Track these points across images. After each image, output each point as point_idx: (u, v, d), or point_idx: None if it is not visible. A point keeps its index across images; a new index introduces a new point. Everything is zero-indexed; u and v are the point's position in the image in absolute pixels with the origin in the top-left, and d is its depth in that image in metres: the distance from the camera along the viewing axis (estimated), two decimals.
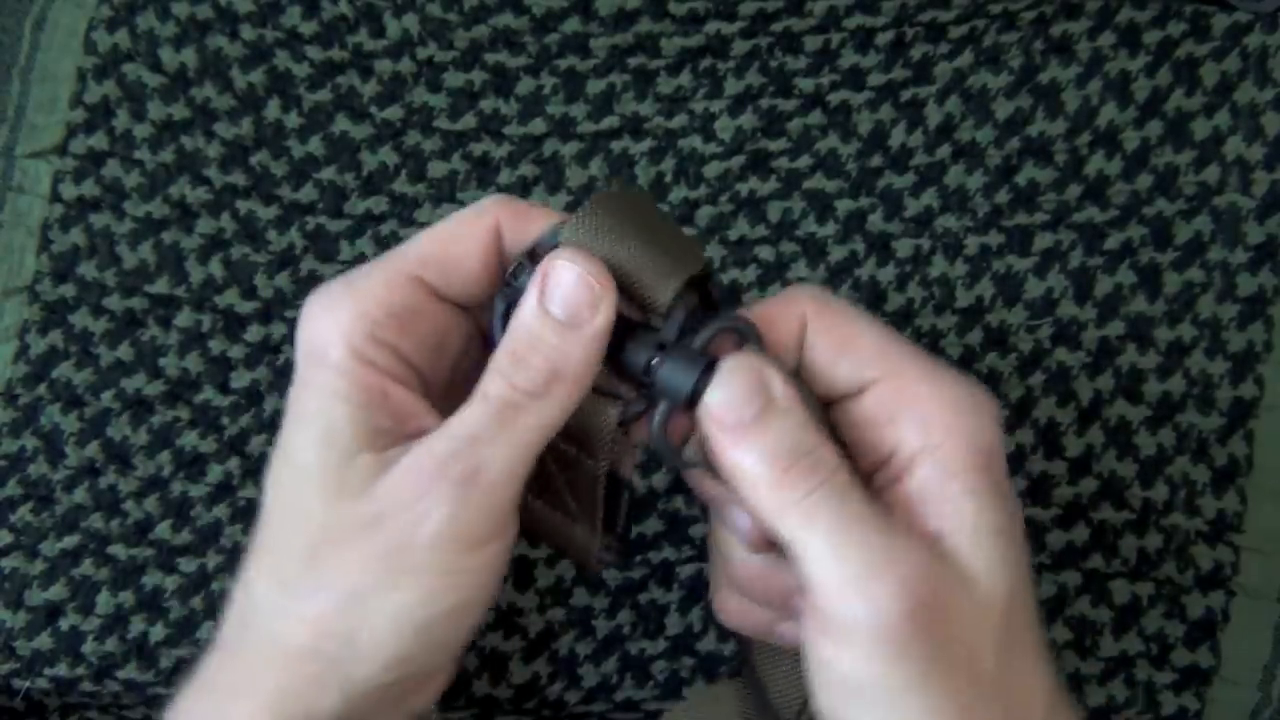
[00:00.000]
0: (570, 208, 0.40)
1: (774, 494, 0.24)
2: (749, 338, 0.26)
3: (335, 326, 0.25)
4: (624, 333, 0.26)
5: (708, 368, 0.25)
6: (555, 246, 0.26)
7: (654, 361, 0.26)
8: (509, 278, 0.26)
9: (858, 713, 0.24)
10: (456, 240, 0.26)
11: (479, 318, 0.28)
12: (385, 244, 0.40)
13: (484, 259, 0.26)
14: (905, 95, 0.40)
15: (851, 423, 0.26)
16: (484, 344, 0.28)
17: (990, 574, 0.24)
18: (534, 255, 0.26)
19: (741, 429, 0.25)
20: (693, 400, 0.25)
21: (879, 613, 0.23)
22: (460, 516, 0.24)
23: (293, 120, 0.41)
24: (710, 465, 0.26)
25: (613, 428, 0.27)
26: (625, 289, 0.26)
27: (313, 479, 0.25)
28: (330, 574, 0.25)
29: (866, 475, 0.26)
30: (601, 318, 0.25)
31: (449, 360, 0.28)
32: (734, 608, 0.29)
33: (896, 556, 0.23)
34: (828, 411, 0.27)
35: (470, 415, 0.25)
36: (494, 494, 0.25)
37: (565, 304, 0.25)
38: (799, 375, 0.27)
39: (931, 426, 0.25)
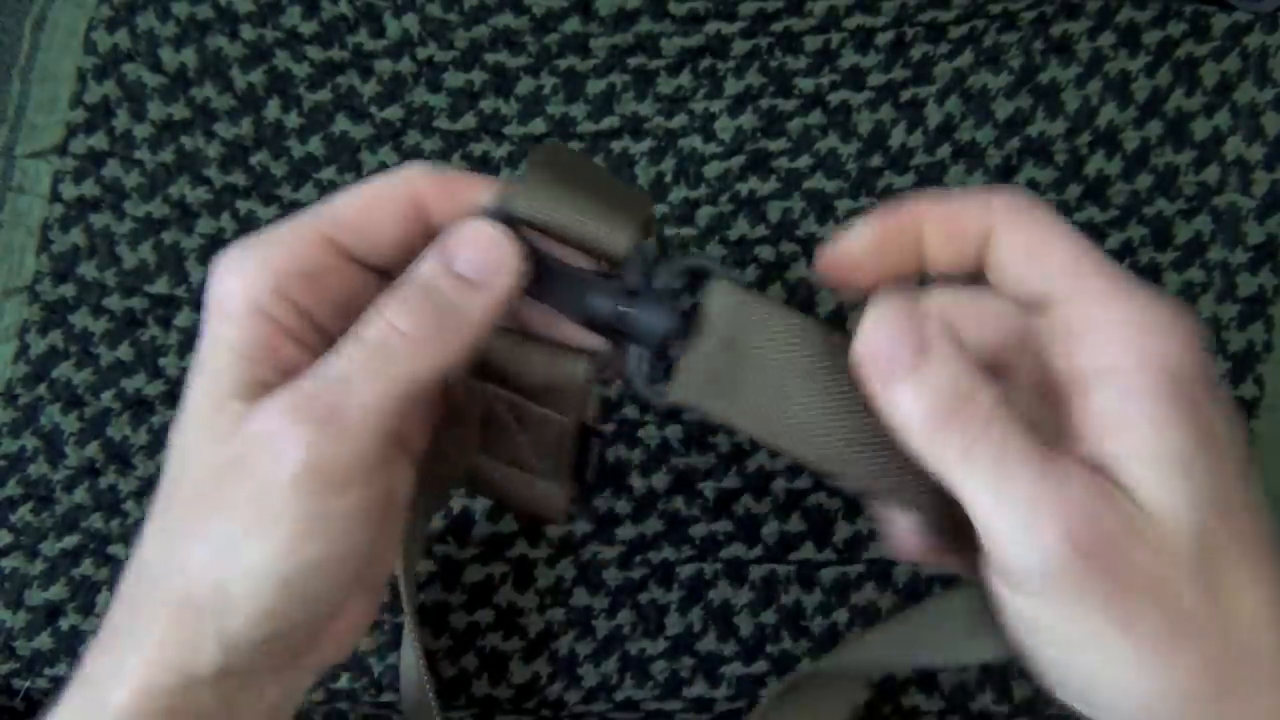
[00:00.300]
0: None
1: (933, 441, 0.24)
2: (713, 274, 0.26)
3: (238, 280, 0.25)
4: (585, 285, 0.26)
5: (687, 311, 0.25)
6: (503, 213, 0.26)
7: (622, 307, 0.26)
8: None
9: (1054, 654, 0.24)
10: (375, 205, 0.26)
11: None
12: None
13: (403, 225, 0.26)
14: (905, 95, 0.40)
15: (1037, 335, 0.25)
16: None
17: (1173, 504, 0.22)
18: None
19: (897, 373, 0.24)
20: (667, 342, 0.26)
21: (1049, 558, 0.22)
22: (320, 455, 0.23)
23: (293, 120, 0.41)
24: (691, 405, 0.26)
25: (584, 382, 0.27)
26: (579, 243, 0.26)
27: (193, 426, 0.25)
28: (203, 521, 0.24)
29: (1051, 388, 0.25)
30: (505, 281, 0.25)
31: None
32: (914, 546, 0.28)
33: (1064, 498, 0.22)
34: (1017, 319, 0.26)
35: (341, 356, 0.24)
36: (357, 434, 0.24)
37: (476, 264, 0.25)
38: (983, 278, 0.26)
39: (1115, 348, 0.23)
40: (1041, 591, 0.23)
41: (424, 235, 0.26)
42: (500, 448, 0.29)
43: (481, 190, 0.26)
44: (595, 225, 0.26)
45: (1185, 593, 0.22)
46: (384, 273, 0.27)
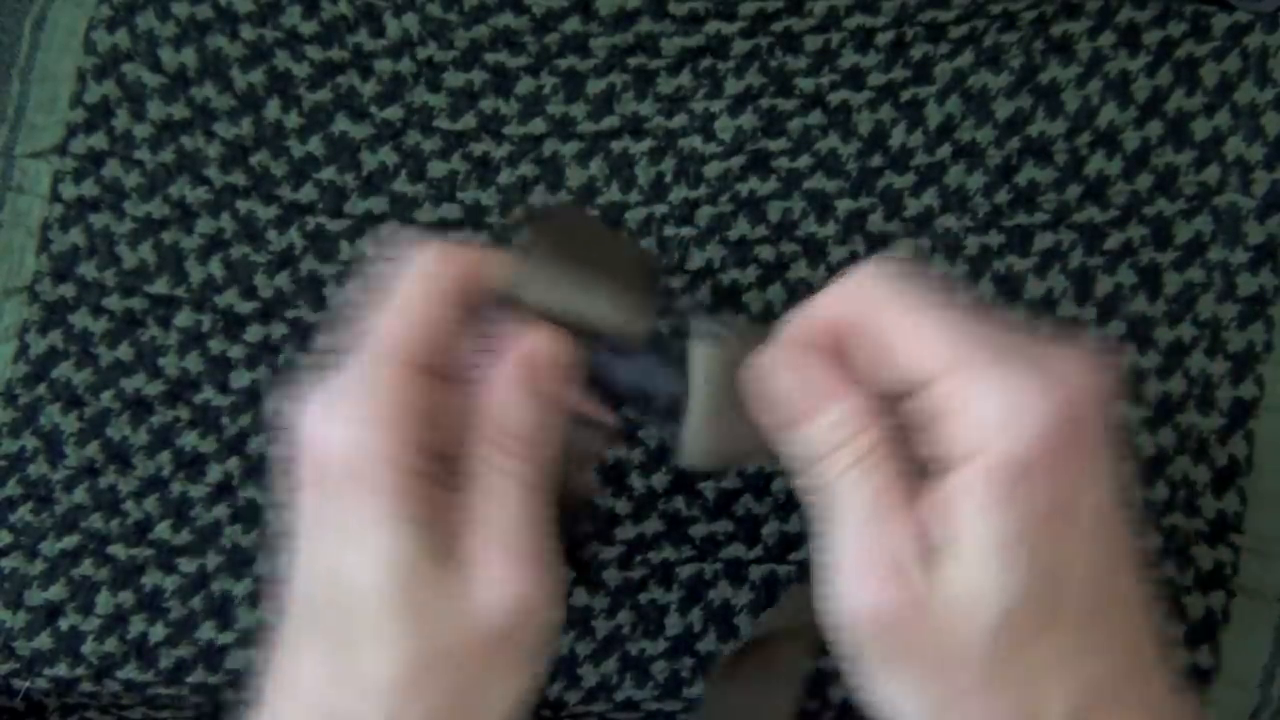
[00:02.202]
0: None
1: (809, 475, 0.26)
2: (719, 336, 0.27)
3: (373, 443, 0.25)
4: (604, 362, 0.27)
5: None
6: (514, 300, 0.27)
7: (643, 379, 0.27)
8: (484, 342, 0.27)
9: (865, 688, 0.26)
10: (439, 316, 0.26)
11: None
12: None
13: (462, 326, 0.27)
14: (905, 95, 0.40)
15: (916, 416, 0.26)
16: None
17: (978, 593, 0.24)
18: (495, 322, 0.27)
19: (791, 421, 0.26)
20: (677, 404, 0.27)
21: (845, 614, 0.25)
22: (559, 603, 0.26)
23: (293, 120, 0.41)
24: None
25: (599, 453, 0.28)
26: (595, 332, 0.27)
27: (391, 607, 0.25)
28: (436, 686, 0.25)
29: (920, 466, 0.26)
30: (575, 384, 0.27)
31: None
32: None
33: (875, 563, 0.24)
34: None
35: (519, 502, 0.26)
36: (558, 568, 0.27)
37: (551, 381, 0.27)
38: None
39: (961, 440, 0.24)
40: (845, 639, 0.25)
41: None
42: None
43: (498, 265, 0.27)
44: (608, 314, 0.26)
45: (967, 671, 0.24)
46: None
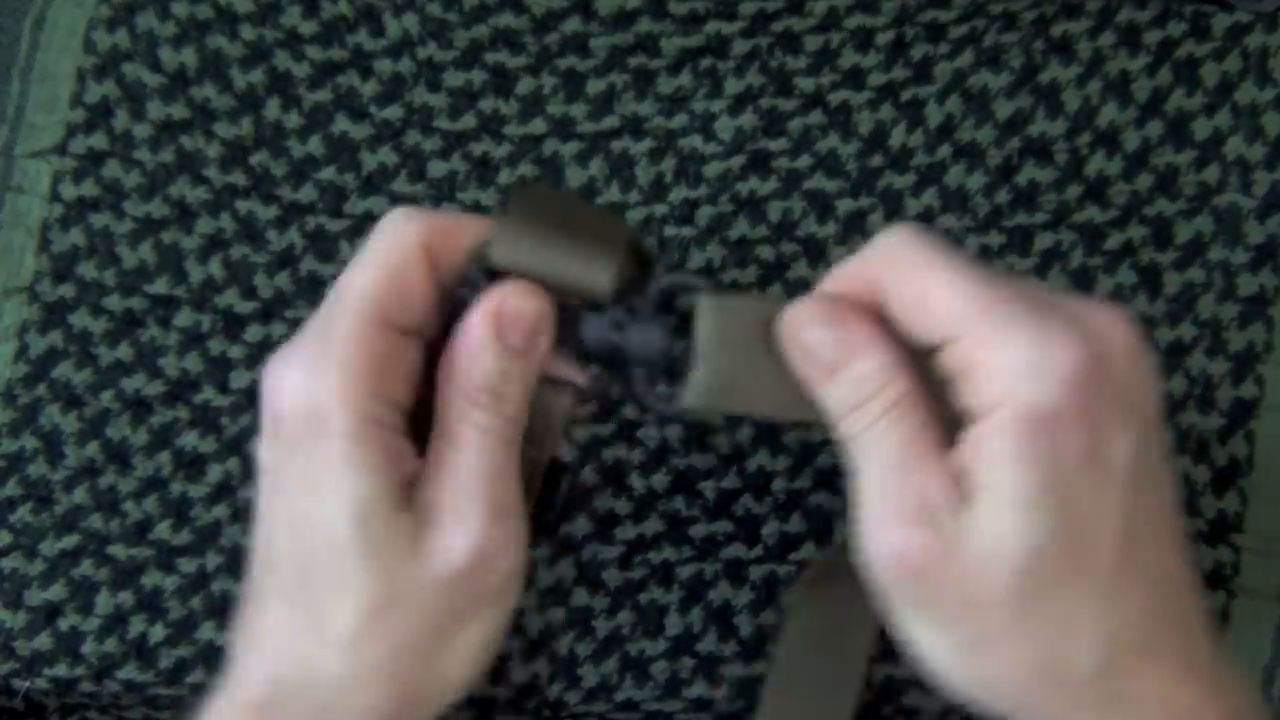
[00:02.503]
0: None
1: (843, 424, 0.26)
2: (697, 289, 0.27)
3: (329, 389, 0.25)
4: (576, 320, 0.28)
5: (676, 328, 0.27)
6: (486, 261, 0.27)
7: (614, 337, 0.27)
8: (454, 300, 0.27)
9: (901, 629, 0.27)
10: (405, 271, 0.27)
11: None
12: None
13: (429, 284, 0.27)
14: (905, 95, 0.40)
15: (934, 376, 0.26)
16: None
17: (1004, 538, 0.24)
18: (466, 278, 0.27)
19: (822, 373, 0.27)
20: (666, 358, 0.27)
21: (881, 566, 0.25)
22: (522, 552, 0.27)
23: (293, 120, 0.41)
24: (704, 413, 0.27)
25: (567, 413, 0.28)
26: (562, 290, 0.27)
27: (351, 552, 0.25)
28: (396, 632, 0.26)
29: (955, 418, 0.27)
30: (547, 339, 0.27)
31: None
32: None
33: (901, 509, 0.25)
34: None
35: (482, 452, 0.26)
36: (523, 518, 0.27)
37: (523, 334, 0.27)
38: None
39: (990, 393, 0.25)
40: (878, 578, 0.26)
41: (438, 286, 0.27)
42: None
43: (472, 230, 0.27)
44: (575, 270, 0.27)
45: (994, 614, 0.25)
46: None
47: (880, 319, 0.26)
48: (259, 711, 0.27)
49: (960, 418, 0.26)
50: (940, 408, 0.26)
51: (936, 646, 0.26)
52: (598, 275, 0.27)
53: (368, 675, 0.26)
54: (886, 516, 0.25)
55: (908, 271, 0.26)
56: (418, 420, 0.27)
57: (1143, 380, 0.26)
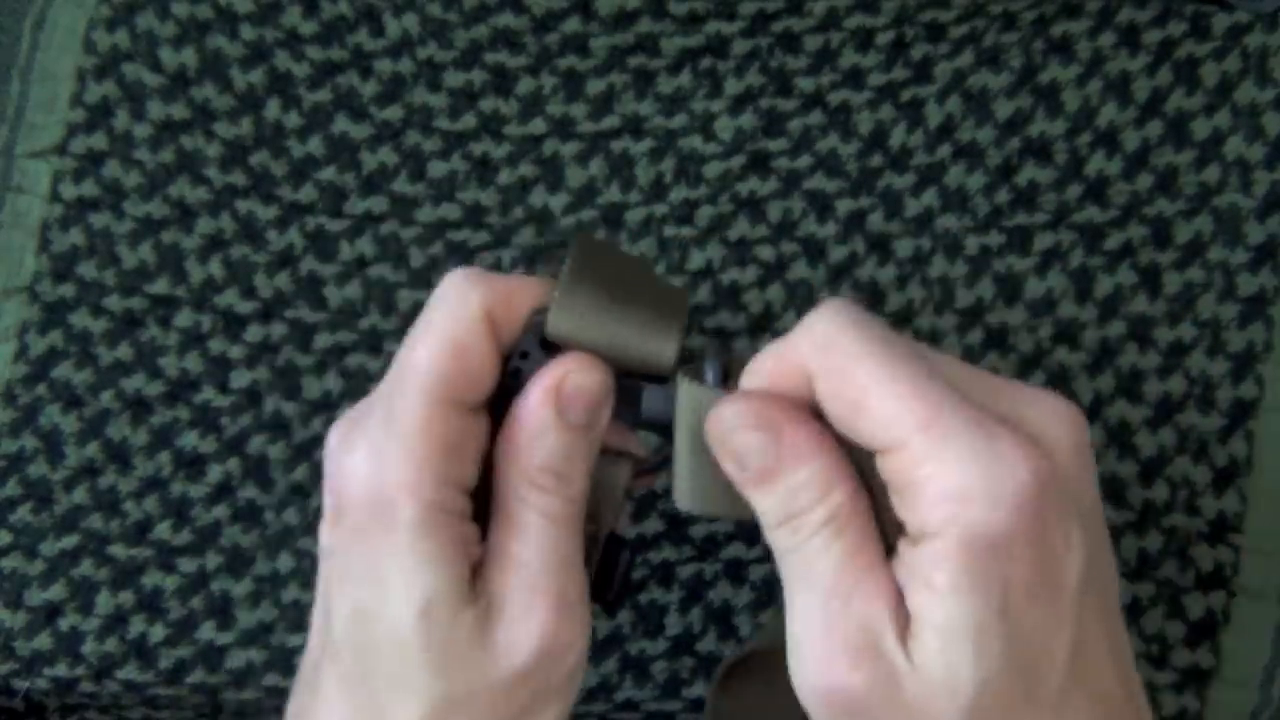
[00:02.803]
0: (570, 208, 0.40)
1: (773, 535, 0.25)
2: (735, 356, 0.26)
3: (395, 477, 0.24)
4: (637, 391, 0.27)
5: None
6: (543, 330, 0.26)
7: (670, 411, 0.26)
8: (512, 372, 0.26)
9: None
10: (470, 344, 0.25)
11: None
12: (385, 244, 0.40)
13: (494, 356, 0.26)
14: (905, 95, 0.40)
15: (877, 480, 0.25)
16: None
17: (949, 673, 0.23)
18: (524, 352, 0.26)
19: (754, 479, 0.25)
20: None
21: (812, 698, 0.24)
22: (586, 640, 0.26)
23: (293, 120, 0.41)
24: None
25: (625, 485, 0.27)
26: (625, 365, 0.26)
27: (415, 648, 0.24)
28: None
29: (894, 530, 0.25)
30: (608, 414, 0.26)
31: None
32: None
33: (839, 640, 0.23)
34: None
35: (546, 539, 0.25)
36: (587, 606, 0.26)
37: (586, 410, 0.25)
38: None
39: (933, 515, 0.23)
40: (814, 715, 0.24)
41: (501, 357, 0.26)
42: None
43: (531, 294, 0.26)
44: (637, 343, 0.26)
45: None
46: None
47: (815, 416, 0.24)
48: None
49: (902, 525, 0.24)
50: (881, 509, 0.24)
51: None
52: (661, 349, 0.26)
53: None
54: (826, 649, 0.23)
55: (843, 365, 0.24)
56: (478, 495, 0.26)
57: (1090, 477, 0.24)
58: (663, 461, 0.27)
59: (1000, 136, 0.40)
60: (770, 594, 0.39)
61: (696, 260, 0.40)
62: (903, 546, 0.24)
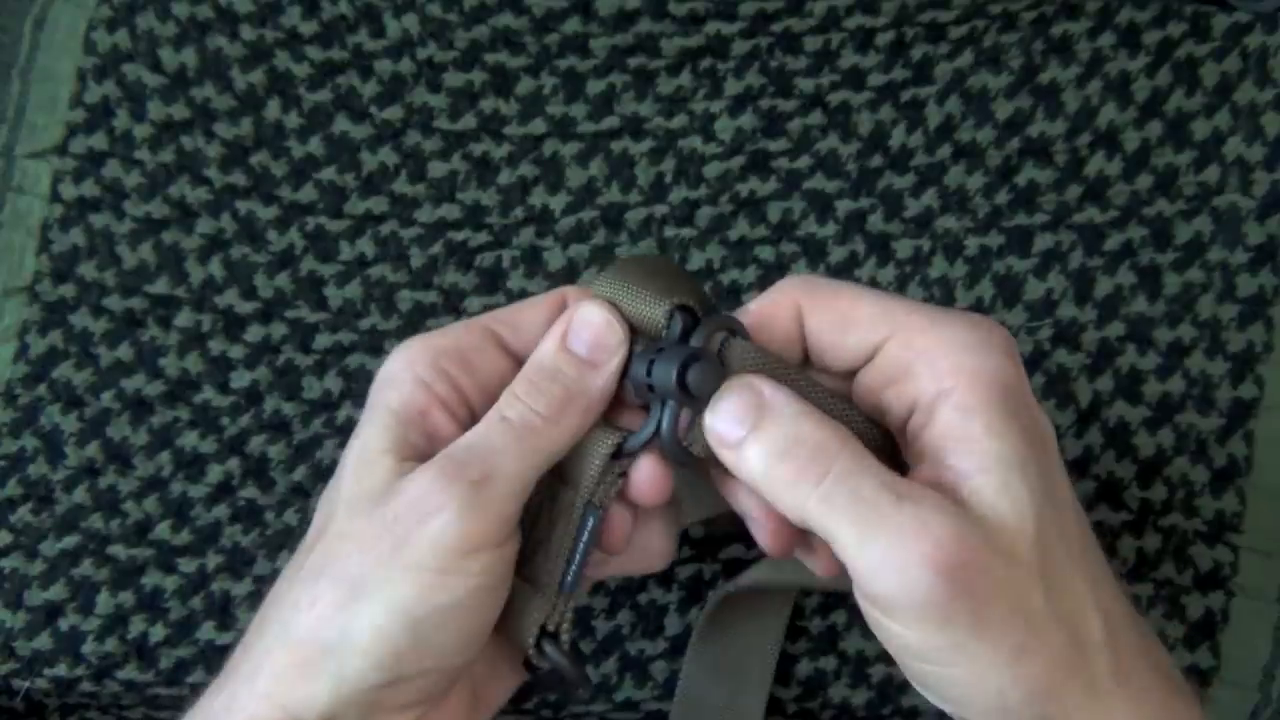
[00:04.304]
0: (570, 208, 0.41)
1: (790, 491, 0.25)
2: (737, 333, 0.27)
3: (405, 355, 0.28)
4: (643, 356, 0.28)
5: (691, 356, 0.26)
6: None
7: (652, 363, 0.27)
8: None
9: (918, 666, 0.25)
10: (530, 305, 0.29)
11: None
12: (385, 244, 0.40)
13: (550, 321, 0.29)
14: (905, 95, 0.40)
15: (872, 387, 0.27)
16: None
17: (1015, 508, 0.24)
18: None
19: (742, 441, 0.26)
20: (684, 389, 0.26)
21: (914, 588, 0.23)
22: (466, 517, 0.26)
23: (293, 120, 0.41)
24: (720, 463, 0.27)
25: (605, 454, 0.28)
26: (633, 320, 0.28)
27: (342, 482, 0.28)
28: (337, 565, 0.26)
29: (900, 431, 0.27)
30: (618, 359, 0.28)
31: None
32: (780, 546, 0.30)
33: (921, 526, 0.24)
34: (851, 382, 0.28)
35: (487, 430, 0.27)
36: (500, 502, 0.26)
37: (590, 344, 0.28)
38: (806, 361, 0.28)
39: (943, 371, 0.25)
40: (909, 618, 0.24)
41: None
42: (531, 552, 0.29)
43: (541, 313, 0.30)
44: (643, 302, 0.28)
45: (1033, 593, 0.24)
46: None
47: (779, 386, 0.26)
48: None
49: (902, 419, 0.26)
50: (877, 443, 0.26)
51: (979, 661, 0.24)
52: (657, 305, 0.28)
53: (303, 598, 0.27)
54: (903, 544, 0.24)
55: (827, 295, 0.27)
56: None
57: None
58: (651, 438, 0.28)
59: (1000, 137, 0.40)
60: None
61: (696, 260, 0.40)
62: (911, 433, 0.26)
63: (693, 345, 0.27)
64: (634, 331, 0.28)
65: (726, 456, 0.26)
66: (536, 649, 0.28)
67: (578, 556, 0.28)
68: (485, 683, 0.31)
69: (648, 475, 0.28)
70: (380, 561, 0.26)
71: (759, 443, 0.26)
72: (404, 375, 0.28)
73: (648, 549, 0.31)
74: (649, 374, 0.27)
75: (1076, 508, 0.26)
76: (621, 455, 0.28)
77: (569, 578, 0.28)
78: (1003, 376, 0.25)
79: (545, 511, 0.29)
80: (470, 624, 0.27)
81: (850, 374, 0.28)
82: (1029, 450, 0.25)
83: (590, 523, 0.28)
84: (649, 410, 0.28)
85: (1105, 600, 0.25)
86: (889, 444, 0.28)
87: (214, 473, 0.39)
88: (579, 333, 0.28)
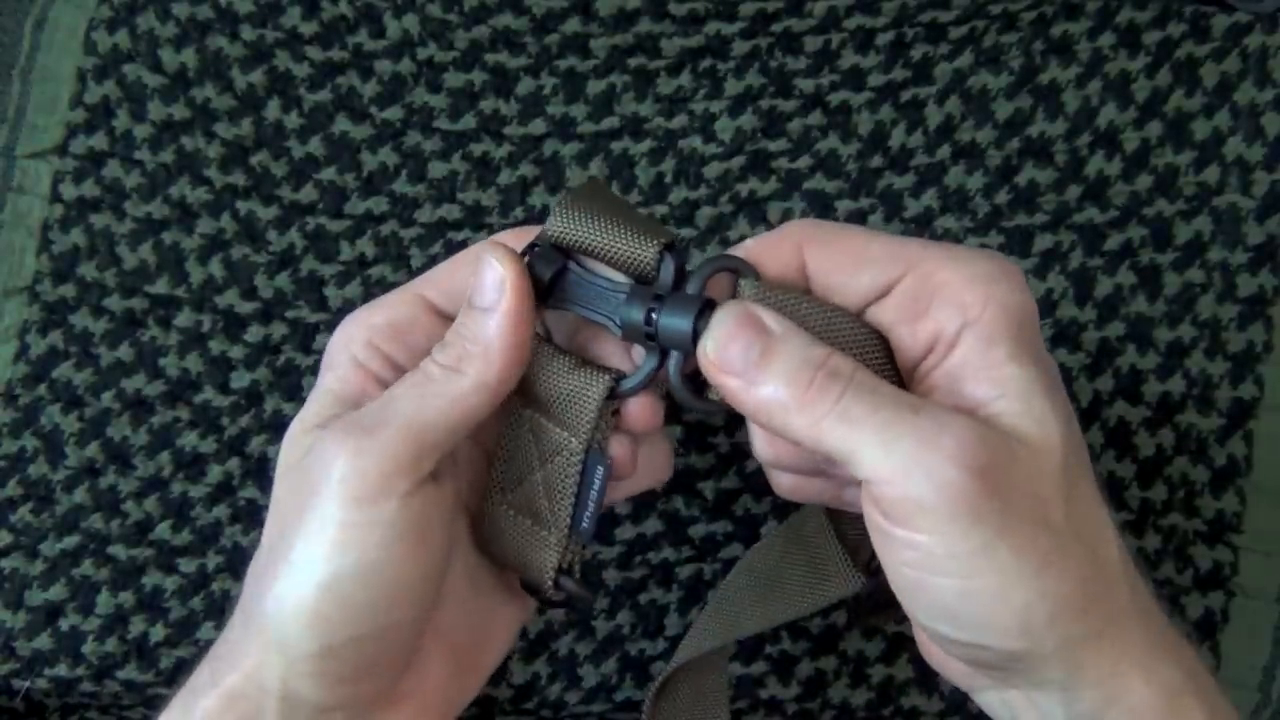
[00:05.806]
0: None
1: (805, 414, 0.25)
2: (744, 272, 0.27)
3: (342, 335, 0.29)
4: (623, 297, 0.28)
5: (705, 305, 0.26)
6: (545, 239, 0.28)
7: (653, 312, 0.27)
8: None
9: (940, 583, 0.24)
10: (460, 264, 0.30)
11: None
12: (385, 244, 0.40)
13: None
14: (905, 96, 0.40)
15: (883, 323, 0.27)
16: None
17: (1043, 427, 0.24)
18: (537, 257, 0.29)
19: (750, 371, 0.25)
20: (697, 340, 0.26)
21: (944, 484, 0.23)
22: (359, 459, 0.26)
23: (293, 120, 0.41)
24: (732, 406, 0.27)
25: (601, 398, 0.28)
26: (611, 259, 0.28)
27: (282, 456, 0.29)
28: (282, 538, 0.27)
29: (909, 370, 0.27)
30: (508, 299, 0.27)
31: None
32: (788, 484, 0.30)
33: (945, 429, 0.24)
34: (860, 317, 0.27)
35: (392, 388, 0.28)
36: (395, 444, 0.26)
37: (478, 291, 0.28)
38: (808, 292, 0.27)
39: (966, 303, 0.25)
40: (937, 518, 0.24)
41: None
42: (516, 484, 0.30)
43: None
44: (623, 241, 0.27)
45: (1058, 507, 0.24)
46: None
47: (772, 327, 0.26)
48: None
49: (915, 357, 0.26)
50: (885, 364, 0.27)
51: (1006, 572, 0.23)
52: (644, 244, 0.27)
53: (254, 573, 0.28)
54: (931, 445, 0.23)
55: (832, 234, 0.27)
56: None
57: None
58: (646, 381, 0.28)
59: (1000, 137, 0.40)
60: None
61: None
62: (930, 362, 0.26)
63: (699, 293, 0.27)
64: (616, 268, 0.28)
65: (736, 392, 0.26)
66: (554, 585, 0.29)
67: (590, 506, 0.29)
68: (467, 651, 0.31)
69: (642, 409, 0.29)
70: (297, 523, 0.26)
71: (771, 370, 0.25)
72: (341, 357, 0.29)
73: (652, 462, 0.31)
74: (648, 322, 0.27)
75: (1081, 443, 0.26)
76: (615, 397, 0.28)
77: (584, 524, 0.29)
78: (1020, 309, 0.25)
79: (531, 448, 0.29)
80: (395, 576, 0.26)
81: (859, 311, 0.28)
82: (1049, 379, 0.25)
83: (600, 471, 0.29)
84: (622, 340, 0.28)
85: (1113, 524, 0.26)
86: (896, 371, 0.27)
87: (214, 473, 0.39)
88: (476, 285, 0.28)
